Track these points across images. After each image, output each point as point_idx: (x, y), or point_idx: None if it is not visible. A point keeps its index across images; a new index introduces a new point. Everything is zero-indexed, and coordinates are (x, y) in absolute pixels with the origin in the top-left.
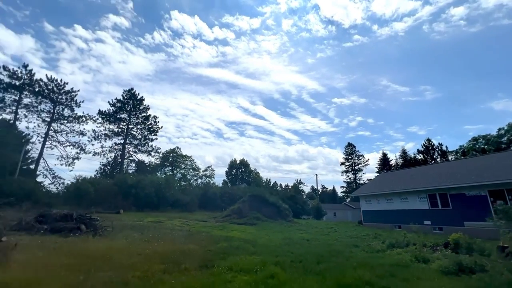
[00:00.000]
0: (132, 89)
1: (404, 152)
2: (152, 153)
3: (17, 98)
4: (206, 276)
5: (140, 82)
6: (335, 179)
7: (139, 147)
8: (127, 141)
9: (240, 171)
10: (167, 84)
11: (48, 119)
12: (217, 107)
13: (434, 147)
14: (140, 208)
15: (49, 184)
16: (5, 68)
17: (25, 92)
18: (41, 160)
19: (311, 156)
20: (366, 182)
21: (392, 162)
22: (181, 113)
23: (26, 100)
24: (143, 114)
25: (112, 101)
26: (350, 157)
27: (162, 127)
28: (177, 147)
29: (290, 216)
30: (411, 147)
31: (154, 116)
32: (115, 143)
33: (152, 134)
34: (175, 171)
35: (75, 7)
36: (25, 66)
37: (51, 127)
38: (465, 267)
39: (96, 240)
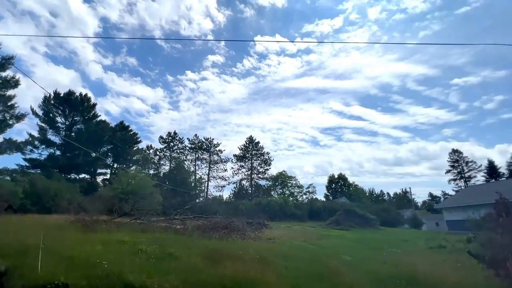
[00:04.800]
0: (251, 136)
1: None
2: (269, 179)
3: (195, 155)
4: (321, 241)
5: (238, 106)
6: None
7: (259, 175)
8: (253, 172)
9: (339, 184)
10: (260, 102)
11: (207, 164)
12: (309, 115)
13: None
14: (271, 219)
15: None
16: (188, 139)
17: (199, 151)
18: (208, 189)
19: (431, 155)
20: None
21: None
22: (276, 127)
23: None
24: (260, 152)
25: (240, 146)
26: (456, 164)
27: (273, 159)
28: (284, 171)
29: (376, 224)
30: None
31: (267, 152)
32: (244, 174)
33: (267, 165)
34: (284, 190)
35: (185, 58)
36: (196, 135)
37: (211, 169)
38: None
39: (272, 230)
